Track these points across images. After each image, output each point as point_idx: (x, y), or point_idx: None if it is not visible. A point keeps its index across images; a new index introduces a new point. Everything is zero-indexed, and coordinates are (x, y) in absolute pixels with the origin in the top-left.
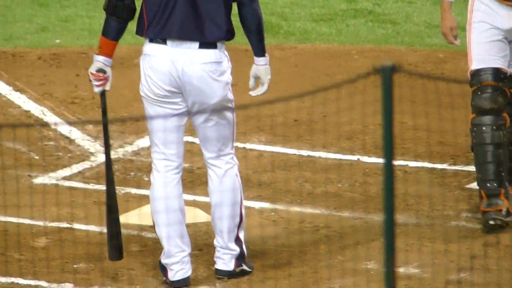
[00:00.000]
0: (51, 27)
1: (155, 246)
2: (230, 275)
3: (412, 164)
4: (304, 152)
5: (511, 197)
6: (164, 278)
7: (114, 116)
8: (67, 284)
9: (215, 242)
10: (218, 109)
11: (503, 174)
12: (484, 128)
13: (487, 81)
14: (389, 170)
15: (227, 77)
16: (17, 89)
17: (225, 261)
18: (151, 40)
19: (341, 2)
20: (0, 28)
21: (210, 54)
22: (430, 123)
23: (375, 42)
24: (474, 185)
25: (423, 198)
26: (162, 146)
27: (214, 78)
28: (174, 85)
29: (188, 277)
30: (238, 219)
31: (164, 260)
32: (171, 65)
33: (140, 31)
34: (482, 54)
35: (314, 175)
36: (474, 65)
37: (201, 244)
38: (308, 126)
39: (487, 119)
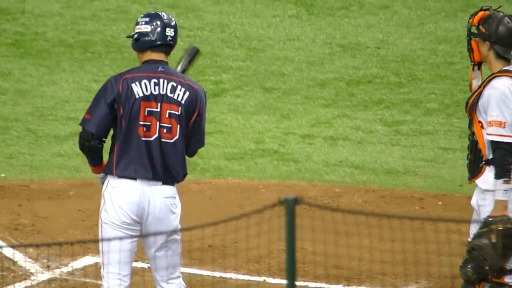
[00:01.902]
0: None
1: None
2: None
3: (311, 284)
4: (217, 274)
5: None
6: None
7: (52, 241)
8: None
9: None
10: (170, 237)
11: None
12: None
13: None
14: None
15: (179, 210)
16: None
17: None
18: (120, 177)
19: (250, 143)
20: None
21: (170, 190)
22: (328, 248)
23: (279, 178)
24: None
25: None
26: (117, 267)
27: (172, 211)
28: (139, 215)
29: None
30: None
31: None
32: (140, 198)
33: (109, 170)
34: None
35: None
36: None
37: None
38: (221, 251)
39: None
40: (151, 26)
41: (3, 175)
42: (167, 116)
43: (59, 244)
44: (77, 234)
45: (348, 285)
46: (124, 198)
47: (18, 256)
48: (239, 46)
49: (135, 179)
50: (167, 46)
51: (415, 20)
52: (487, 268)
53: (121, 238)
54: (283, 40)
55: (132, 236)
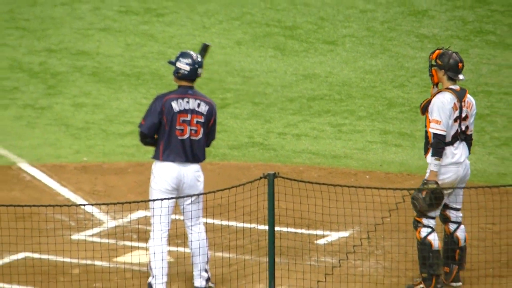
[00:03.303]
0: None
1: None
2: None
3: (284, 229)
4: (224, 222)
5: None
6: None
7: (117, 201)
8: None
9: (194, 271)
10: (195, 197)
11: None
12: None
13: None
14: None
15: (203, 180)
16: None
17: (200, 281)
18: (164, 161)
19: (244, 138)
20: None
21: (196, 167)
22: (295, 206)
23: (264, 161)
24: None
25: None
26: (161, 218)
27: (198, 180)
28: (176, 184)
29: None
30: (207, 258)
31: (152, 281)
32: (178, 173)
33: (157, 157)
34: None
35: None
36: None
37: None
38: (225, 207)
39: None
40: (189, 67)
41: (85, 158)
42: (194, 122)
43: (121, 203)
44: (133, 197)
45: (308, 229)
46: (167, 174)
47: (95, 211)
48: (237, 75)
49: (174, 162)
50: (196, 79)
51: (351, 59)
52: (418, 209)
53: (164, 199)
54: (265, 71)
55: (171, 198)
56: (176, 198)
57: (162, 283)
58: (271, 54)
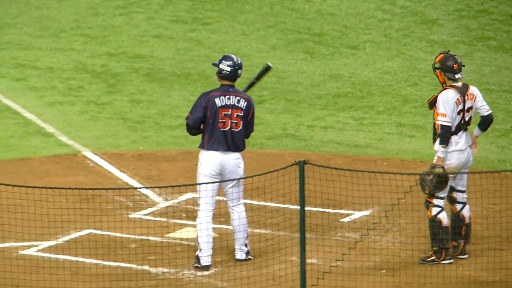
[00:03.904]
0: None
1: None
2: (243, 260)
3: (314, 209)
4: (261, 203)
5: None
6: (197, 264)
7: (168, 184)
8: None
9: (235, 245)
10: (236, 181)
11: None
12: None
13: None
14: None
15: (243, 166)
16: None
17: (241, 254)
18: (209, 150)
19: (279, 129)
20: None
21: (237, 155)
22: (322, 189)
23: (295, 150)
24: None
25: None
26: (207, 200)
27: (238, 166)
28: (220, 169)
29: (210, 265)
30: (247, 234)
31: (199, 254)
32: (221, 160)
33: (202, 146)
34: None
35: None
36: None
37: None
38: (262, 190)
39: None
40: (230, 68)
41: (141, 148)
42: (235, 116)
43: (172, 186)
44: (182, 181)
45: (334, 209)
46: (211, 161)
47: (149, 193)
48: (272, 75)
49: (217, 150)
50: (236, 79)
51: (371, 61)
52: (427, 191)
53: (209, 183)
54: (297, 72)
55: (215, 182)
56: (220, 182)
57: (208, 255)
58: (302, 57)
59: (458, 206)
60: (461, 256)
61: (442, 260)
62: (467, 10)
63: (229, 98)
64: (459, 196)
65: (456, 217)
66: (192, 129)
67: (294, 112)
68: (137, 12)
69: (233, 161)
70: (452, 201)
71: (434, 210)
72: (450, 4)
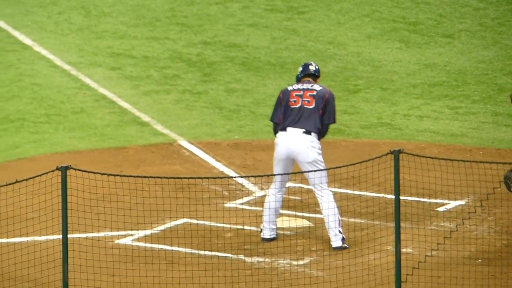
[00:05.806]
0: None
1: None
2: (339, 248)
3: (409, 198)
4: (350, 191)
5: None
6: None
7: (261, 173)
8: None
9: (329, 234)
10: (309, 164)
11: None
12: None
13: None
14: None
15: (316, 148)
16: None
17: (335, 241)
18: (281, 130)
19: (374, 118)
20: None
21: (310, 137)
22: (417, 178)
23: (390, 139)
24: None
25: None
26: (276, 185)
27: (310, 148)
28: (286, 151)
29: (272, 238)
30: (339, 221)
31: (262, 226)
32: (288, 140)
33: (275, 131)
34: None
35: None
36: None
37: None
38: (357, 179)
39: None
40: (301, 67)
41: (236, 137)
42: (307, 95)
43: (268, 175)
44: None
45: (429, 198)
46: (279, 142)
47: (245, 182)
48: (368, 64)
49: (286, 128)
50: (309, 75)
51: (466, 50)
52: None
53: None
54: (392, 61)
55: (286, 165)
56: (294, 173)
57: (269, 228)
58: (397, 46)
59: None
60: None
61: None
62: None
63: (302, 84)
64: None
65: None
66: (278, 127)
67: (389, 101)
68: (232, 1)
69: (301, 140)
70: None
71: None
72: None
